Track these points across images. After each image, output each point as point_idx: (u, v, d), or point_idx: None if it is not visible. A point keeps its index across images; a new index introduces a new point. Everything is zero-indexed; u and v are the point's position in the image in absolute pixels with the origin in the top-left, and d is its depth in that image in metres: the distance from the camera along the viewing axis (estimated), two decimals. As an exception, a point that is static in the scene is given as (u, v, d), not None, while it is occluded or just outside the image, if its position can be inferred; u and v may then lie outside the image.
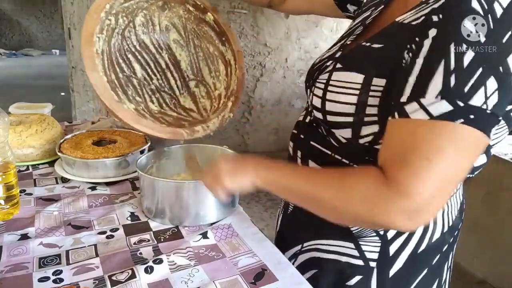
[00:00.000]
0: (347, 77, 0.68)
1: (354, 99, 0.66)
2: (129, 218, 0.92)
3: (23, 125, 1.19)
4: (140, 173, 0.91)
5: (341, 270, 0.76)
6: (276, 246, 0.84)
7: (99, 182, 1.07)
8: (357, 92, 0.66)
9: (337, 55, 0.76)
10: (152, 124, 0.90)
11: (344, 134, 0.69)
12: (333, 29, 3.70)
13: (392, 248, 0.74)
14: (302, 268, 0.80)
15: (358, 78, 0.66)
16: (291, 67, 3.68)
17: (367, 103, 0.65)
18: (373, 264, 0.74)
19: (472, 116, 0.54)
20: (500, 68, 0.54)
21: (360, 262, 0.75)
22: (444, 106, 0.54)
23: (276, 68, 3.64)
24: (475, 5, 0.53)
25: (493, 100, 0.54)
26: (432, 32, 0.57)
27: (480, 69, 0.54)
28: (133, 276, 0.72)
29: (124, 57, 0.99)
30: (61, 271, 0.74)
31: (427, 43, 0.57)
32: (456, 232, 0.80)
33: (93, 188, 1.06)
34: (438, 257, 0.77)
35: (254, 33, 3.47)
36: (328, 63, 0.76)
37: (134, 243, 0.83)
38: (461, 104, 0.54)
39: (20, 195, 0.96)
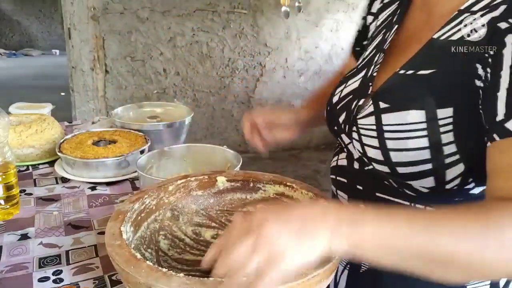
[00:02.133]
0: (405, 118, 0.58)
1: (425, 142, 0.57)
2: (129, 218, 0.92)
3: (23, 125, 1.19)
4: (140, 173, 0.91)
5: None
6: None
7: (99, 182, 1.07)
8: (425, 132, 0.57)
9: (369, 91, 0.66)
10: None
11: (425, 183, 0.59)
12: (333, 29, 3.70)
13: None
14: None
15: (418, 115, 0.57)
16: (291, 67, 3.68)
17: (441, 143, 0.56)
18: None
19: None
20: None
21: None
22: None
23: (276, 68, 3.63)
24: None
25: None
26: (510, 39, 0.52)
27: None
28: (133, 276, 0.72)
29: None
30: (61, 271, 0.74)
31: (507, 51, 0.52)
32: None
33: (93, 188, 1.06)
34: None
35: (254, 33, 3.47)
36: (360, 102, 0.67)
37: (134, 243, 0.83)
38: None
39: (20, 195, 0.96)
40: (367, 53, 0.76)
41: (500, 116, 0.51)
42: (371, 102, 0.64)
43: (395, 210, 0.50)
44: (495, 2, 0.56)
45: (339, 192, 0.75)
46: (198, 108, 3.49)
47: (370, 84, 0.68)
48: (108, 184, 1.07)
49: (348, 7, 3.68)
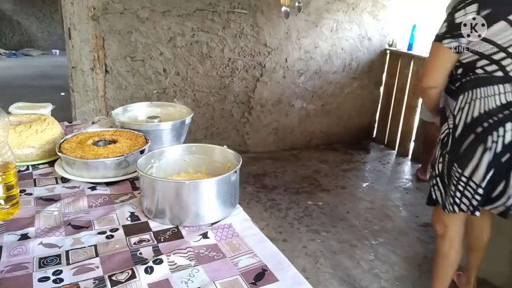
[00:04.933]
0: None
1: None
2: (129, 218, 0.92)
3: (23, 125, 1.19)
4: (140, 173, 0.91)
5: None
6: None
7: (99, 182, 1.07)
8: None
9: None
10: None
11: None
12: (333, 29, 3.70)
13: None
14: None
15: None
16: (291, 67, 3.68)
17: None
18: None
19: None
20: None
21: None
22: None
23: (276, 68, 3.63)
24: None
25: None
26: None
27: None
28: (133, 276, 0.72)
29: None
30: (61, 271, 0.74)
31: None
32: None
33: (93, 188, 1.06)
34: None
35: (254, 33, 3.47)
36: None
37: (134, 243, 0.83)
38: None
39: (20, 195, 0.96)
40: None
41: None
42: None
43: None
44: None
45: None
46: (198, 108, 3.49)
47: None
48: (108, 184, 1.07)
49: (348, 7, 3.68)
